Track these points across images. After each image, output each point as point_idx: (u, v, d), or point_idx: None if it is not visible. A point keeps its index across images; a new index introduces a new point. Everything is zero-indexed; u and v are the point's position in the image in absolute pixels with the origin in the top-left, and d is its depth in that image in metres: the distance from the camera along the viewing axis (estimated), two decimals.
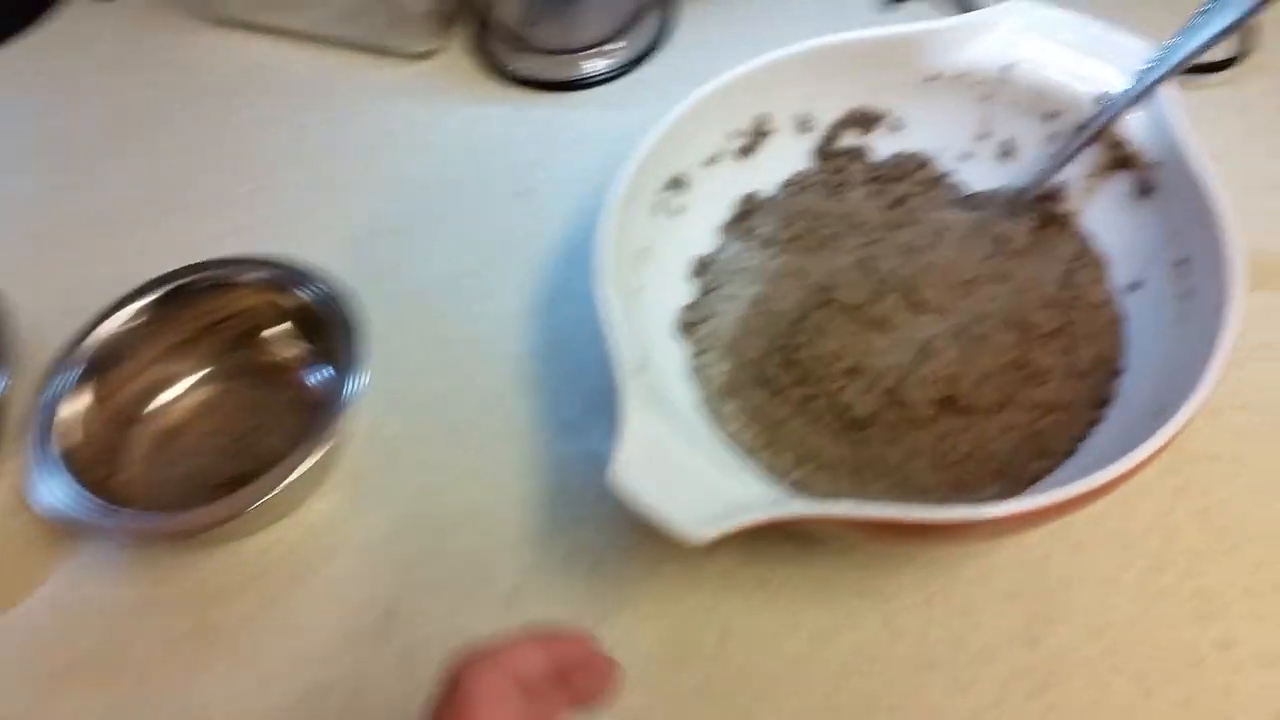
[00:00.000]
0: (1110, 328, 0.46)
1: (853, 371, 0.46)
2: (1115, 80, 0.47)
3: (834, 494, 0.44)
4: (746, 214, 0.53)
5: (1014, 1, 0.50)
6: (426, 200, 0.60)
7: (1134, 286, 0.46)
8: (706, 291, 0.51)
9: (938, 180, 0.53)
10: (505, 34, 0.67)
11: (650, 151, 0.48)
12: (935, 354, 0.45)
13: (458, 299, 0.56)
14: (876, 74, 0.52)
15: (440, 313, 0.55)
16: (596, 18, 0.66)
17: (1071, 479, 0.35)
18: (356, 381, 0.46)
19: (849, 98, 0.53)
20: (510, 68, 0.67)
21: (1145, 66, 0.46)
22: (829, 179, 0.53)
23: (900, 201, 0.52)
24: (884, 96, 0.53)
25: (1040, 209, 0.50)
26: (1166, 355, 0.42)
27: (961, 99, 0.51)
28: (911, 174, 0.53)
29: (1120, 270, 0.47)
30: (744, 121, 0.52)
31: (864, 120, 0.53)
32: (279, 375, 0.52)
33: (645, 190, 0.48)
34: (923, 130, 0.53)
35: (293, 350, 0.52)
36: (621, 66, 0.67)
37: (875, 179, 0.53)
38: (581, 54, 0.66)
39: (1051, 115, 0.49)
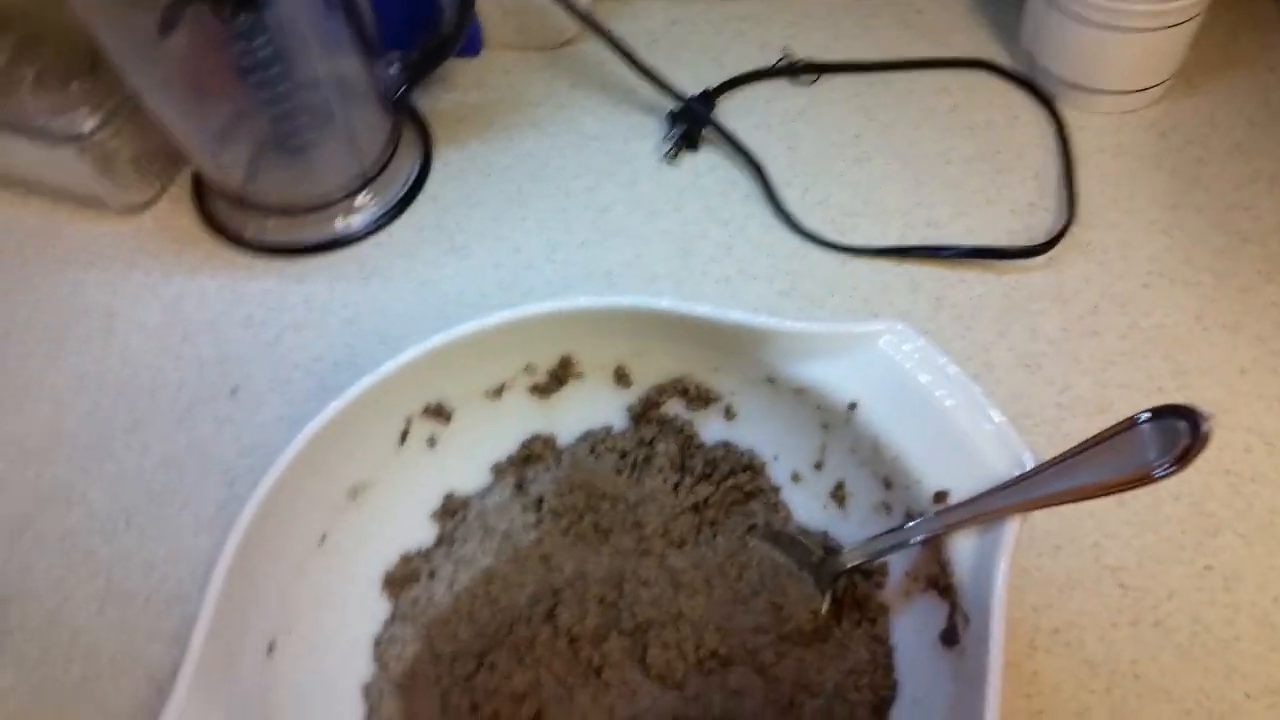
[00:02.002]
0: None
1: None
2: (965, 479, 0.36)
3: None
4: (527, 459, 0.44)
5: (893, 323, 0.39)
6: (116, 404, 0.51)
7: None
8: (441, 542, 0.43)
9: (760, 494, 0.43)
10: (222, 189, 0.57)
11: (395, 373, 0.39)
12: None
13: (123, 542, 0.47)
14: (711, 351, 0.42)
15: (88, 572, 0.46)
16: (332, 170, 0.55)
17: None
18: None
19: (678, 365, 0.43)
20: (236, 228, 0.56)
21: (1002, 482, 0.35)
22: (634, 449, 0.44)
23: (702, 508, 0.42)
24: (718, 378, 0.43)
25: (854, 588, 0.40)
26: None
27: (800, 414, 0.41)
28: (729, 475, 0.43)
29: (902, 716, 0.37)
30: (543, 358, 0.43)
31: (691, 394, 0.43)
32: None
33: (375, 418, 0.40)
34: (757, 429, 0.43)
35: None
36: (362, 227, 0.56)
37: (685, 467, 0.43)
38: (315, 213, 0.56)
39: (886, 482, 0.38)
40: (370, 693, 0.40)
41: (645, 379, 0.43)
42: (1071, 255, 0.52)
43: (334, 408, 0.38)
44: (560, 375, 0.43)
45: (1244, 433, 0.46)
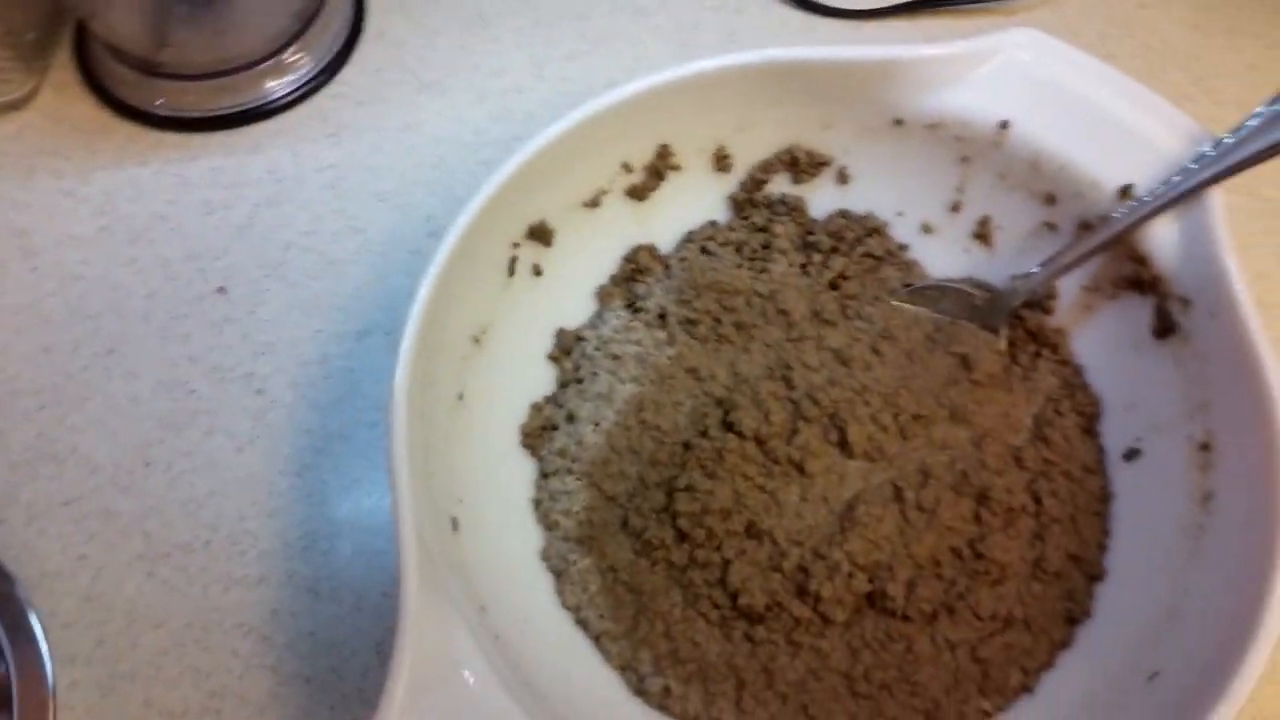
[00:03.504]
0: (1093, 509, 0.35)
1: (750, 534, 0.34)
2: (1145, 168, 0.34)
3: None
4: (633, 275, 0.39)
5: (1019, 31, 0.36)
6: (74, 333, 0.41)
7: (1131, 455, 0.35)
8: (568, 383, 0.38)
9: (890, 256, 0.40)
10: (122, 57, 0.46)
11: (498, 193, 0.33)
12: (861, 525, 0.33)
13: (148, 489, 0.39)
14: (824, 106, 0.38)
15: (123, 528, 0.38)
16: (256, 19, 0.45)
17: None
18: None
19: (784, 132, 0.39)
20: (148, 102, 0.46)
21: (1191, 159, 0.33)
22: (748, 239, 0.40)
23: (839, 282, 0.39)
24: (830, 137, 0.39)
25: (1021, 321, 0.38)
26: (1169, 586, 0.31)
27: (933, 155, 0.38)
28: (856, 243, 0.39)
29: (1115, 426, 0.36)
30: (638, 152, 0.38)
31: (800, 164, 0.39)
32: None
33: (484, 251, 0.34)
34: (877, 187, 0.40)
35: None
36: (307, 79, 0.47)
37: (809, 245, 0.40)
38: (244, 72, 0.46)
39: (1048, 199, 0.37)
40: (550, 557, 0.35)
41: (748, 157, 0.39)
42: None
43: (451, 240, 0.32)
44: (658, 169, 0.38)
45: None
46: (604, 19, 0.50)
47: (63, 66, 0.48)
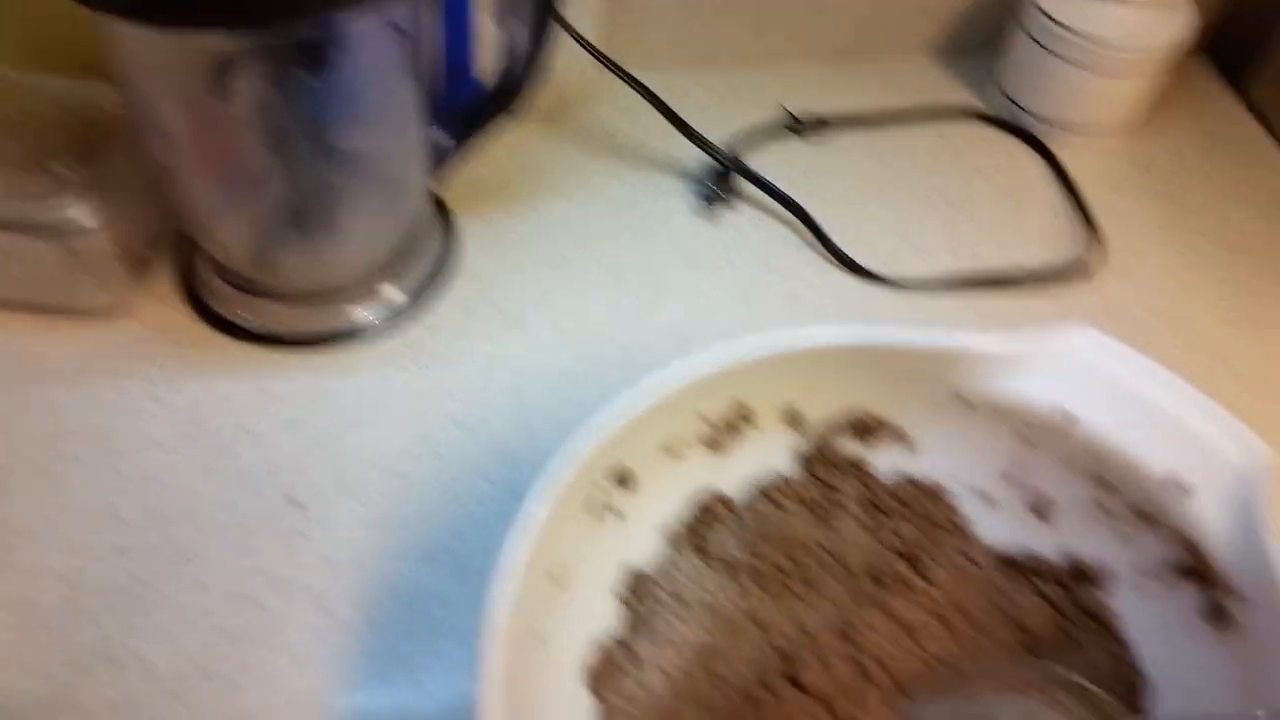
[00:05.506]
0: None
1: None
2: (1201, 467, 0.36)
3: None
4: (705, 521, 0.41)
5: (1082, 330, 0.39)
6: (150, 538, 0.42)
7: None
8: (637, 625, 0.38)
9: (952, 525, 0.41)
10: (224, 274, 0.50)
11: (597, 443, 0.35)
12: None
13: (202, 699, 0.38)
14: (891, 380, 0.40)
15: None
16: (355, 248, 0.49)
17: None
18: None
19: (852, 397, 0.41)
20: (243, 318, 0.49)
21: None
22: (817, 495, 0.41)
23: (905, 547, 0.40)
24: (896, 405, 0.41)
25: (1070, 593, 0.39)
26: None
27: (995, 432, 0.40)
28: (921, 510, 0.41)
29: (1169, 709, 0.36)
30: (715, 407, 0.40)
31: (868, 428, 0.41)
32: None
33: (572, 496, 0.35)
34: (940, 457, 0.42)
35: None
36: (400, 309, 0.51)
37: (875, 505, 0.41)
38: (339, 298, 0.50)
39: (1109, 487, 0.38)
40: None
41: (818, 416, 0.41)
42: (1107, 277, 0.55)
43: (552, 487, 0.34)
44: (735, 424, 0.40)
45: None
46: (675, 272, 0.54)
47: (163, 277, 0.51)
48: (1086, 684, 0.36)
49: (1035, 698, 0.36)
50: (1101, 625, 0.38)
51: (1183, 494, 0.36)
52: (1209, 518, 0.36)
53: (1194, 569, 0.36)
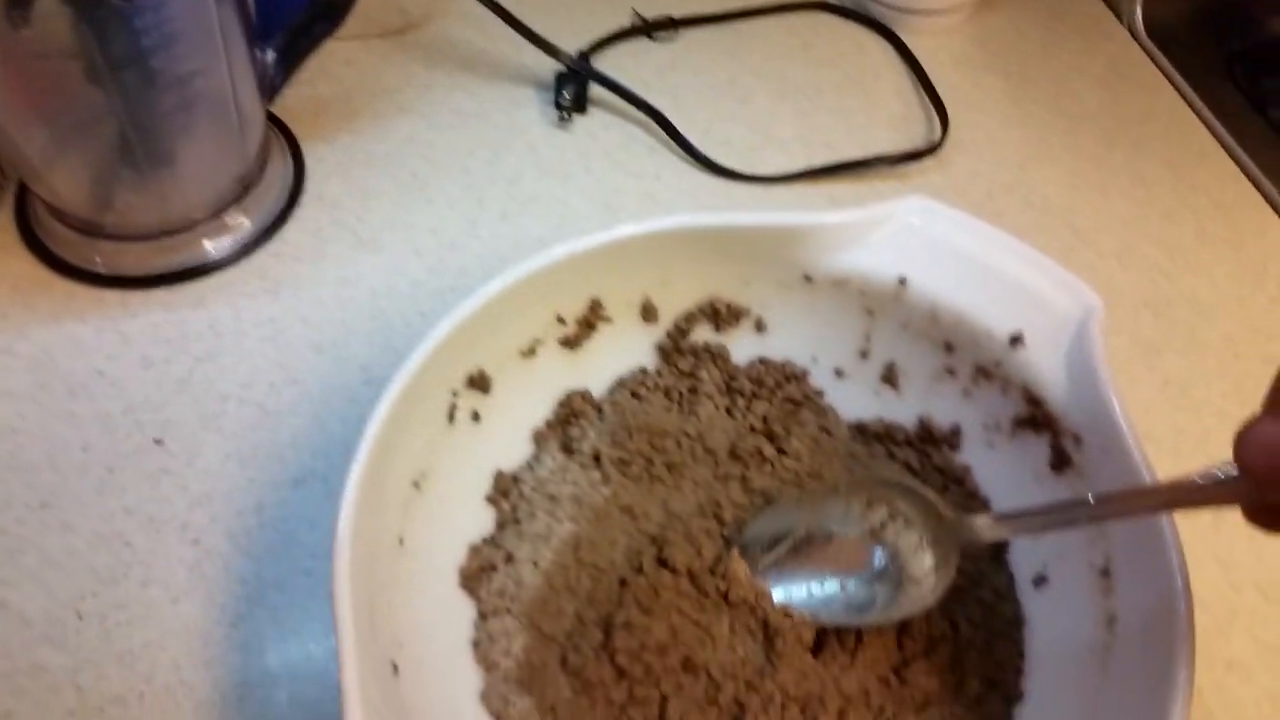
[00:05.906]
0: (1007, 634, 0.37)
1: (686, 669, 0.35)
2: (1032, 317, 0.38)
3: None
4: (568, 419, 0.41)
5: (913, 199, 0.40)
6: (9, 486, 0.41)
7: (1039, 581, 0.37)
8: (505, 524, 0.39)
9: (808, 400, 0.42)
10: (64, 219, 0.48)
11: (437, 348, 0.35)
12: (788, 656, 0.35)
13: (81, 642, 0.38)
14: (740, 265, 0.41)
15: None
16: (194, 179, 0.47)
17: None
18: None
19: (704, 287, 0.42)
20: (88, 261, 0.48)
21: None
22: (676, 384, 0.42)
23: (763, 425, 0.42)
24: (748, 290, 0.42)
25: (929, 459, 0.41)
26: (1083, 706, 0.33)
27: (841, 308, 0.42)
28: (776, 388, 0.42)
29: (1022, 555, 0.38)
30: (571, 305, 0.40)
31: (721, 315, 0.42)
32: None
33: (423, 400, 0.36)
34: (791, 336, 0.43)
35: None
36: (249, 238, 0.49)
37: (732, 389, 0.42)
38: (185, 233, 0.48)
39: (947, 347, 0.40)
40: (490, 699, 0.35)
41: (672, 308, 0.42)
42: (953, 154, 0.57)
43: (393, 391, 0.34)
44: (590, 321, 0.41)
45: (1150, 266, 0.53)
46: (532, 183, 0.54)
47: (1, 225, 0.49)
48: (917, 486, 0.37)
49: (863, 497, 0.37)
50: (954, 482, 0.40)
51: (1018, 346, 0.38)
52: (1045, 368, 0.38)
53: (1035, 419, 0.38)
